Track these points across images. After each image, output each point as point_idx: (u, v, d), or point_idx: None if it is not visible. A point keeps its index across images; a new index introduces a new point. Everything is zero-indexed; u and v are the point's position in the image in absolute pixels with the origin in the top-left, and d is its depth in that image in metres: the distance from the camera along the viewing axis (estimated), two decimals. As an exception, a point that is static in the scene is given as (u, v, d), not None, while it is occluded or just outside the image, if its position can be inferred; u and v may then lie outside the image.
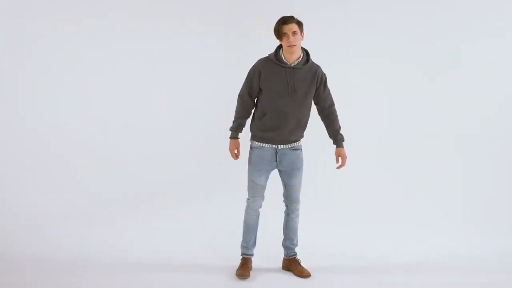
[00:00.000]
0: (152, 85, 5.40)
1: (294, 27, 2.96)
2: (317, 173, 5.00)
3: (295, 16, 3.08)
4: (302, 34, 3.05)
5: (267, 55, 3.13)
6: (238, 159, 3.17)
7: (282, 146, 3.10)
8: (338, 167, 3.13)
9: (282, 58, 3.04)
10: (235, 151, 3.16)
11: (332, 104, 3.21)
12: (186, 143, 4.94)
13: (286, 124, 3.04)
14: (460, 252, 3.71)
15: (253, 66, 3.15)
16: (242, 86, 3.22)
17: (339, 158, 3.15)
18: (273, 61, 3.06)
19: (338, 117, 3.26)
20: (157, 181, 5.02)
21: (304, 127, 3.14)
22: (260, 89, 3.15)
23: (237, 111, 3.23)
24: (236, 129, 3.20)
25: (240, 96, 3.23)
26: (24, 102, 4.67)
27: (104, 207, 4.57)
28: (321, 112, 3.23)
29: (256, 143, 3.14)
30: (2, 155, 4.56)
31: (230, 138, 3.21)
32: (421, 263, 3.53)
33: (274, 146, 3.10)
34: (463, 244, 3.85)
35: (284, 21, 2.97)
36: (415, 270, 3.45)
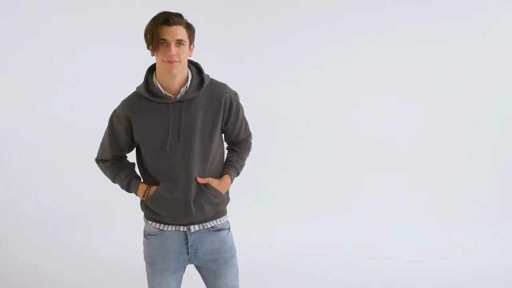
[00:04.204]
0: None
1: (181, 32, 1.91)
2: (316, 174, 4.99)
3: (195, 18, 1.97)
4: (192, 47, 2.02)
5: (135, 90, 2.09)
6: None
7: (196, 227, 2.01)
8: (201, 181, 2.01)
9: (159, 90, 1.95)
10: (144, 193, 2.03)
11: (248, 135, 2.24)
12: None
13: (188, 188, 1.97)
14: (459, 252, 3.70)
15: (114, 111, 2.12)
16: (100, 145, 2.18)
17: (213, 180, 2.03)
18: (146, 97, 1.97)
19: (249, 152, 2.22)
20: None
21: None
22: (134, 144, 2.09)
23: (111, 175, 2.15)
24: (128, 184, 2.09)
25: (98, 162, 2.20)
26: (24, 101, 4.67)
27: (103, 207, 4.55)
28: (230, 143, 2.25)
29: (152, 225, 2.10)
30: (2, 155, 4.55)
31: (132, 192, 2.10)
32: (420, 263, 3.51)
33: (182, 228, 2.02)
34: (463, 244, 3.84)
35: (166, 20, 1.88)
36: (415, 270, 3.43)
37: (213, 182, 2.02)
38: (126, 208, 4.55)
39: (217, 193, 2.02)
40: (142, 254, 3.40)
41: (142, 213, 4.22)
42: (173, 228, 2.04)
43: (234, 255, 2.14)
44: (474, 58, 4.77)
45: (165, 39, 1.88)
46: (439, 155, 4.88)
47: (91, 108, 5.01)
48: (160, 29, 1.87)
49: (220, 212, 2.12)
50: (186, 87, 1.96)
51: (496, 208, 4.46)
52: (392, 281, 3.31)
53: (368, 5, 5.07)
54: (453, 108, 4.87)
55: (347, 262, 3.61)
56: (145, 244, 2.16)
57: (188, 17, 5.40)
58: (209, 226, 2.05)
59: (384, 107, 5.00)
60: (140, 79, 5.18)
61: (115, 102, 5.17)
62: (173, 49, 1.87)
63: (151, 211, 2.08)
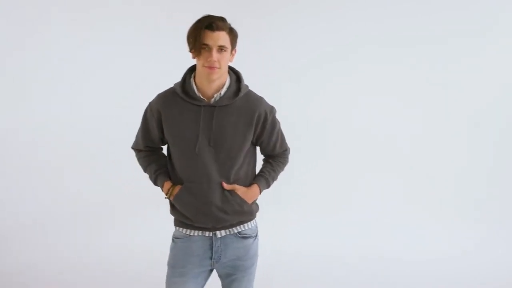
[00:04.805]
0: (151, 85, 5.38)
1: (224, 37, 1.92)
2: (316, 174, 5.00)
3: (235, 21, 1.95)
4: (234, 52, 2.03)
5: (172, 86, 2.05)
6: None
7: (222, 232, 1.98)
8: (226, 187, 1.98)
9: (193, 91, 1.93)
10: (168, 191, 2.02)
11: (285, 150, 2.25)
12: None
13: (209, 192, 1.94)
14: (459, 252, 3.69)
15: (148, 104, 2.09)
16: (136, 135, 2.18)
17: (240, 187, 2.00)
18: (180, 95, 1.96)
19: (285, 166, 2.24)
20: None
21: None
22: (165, 140, 2.06)
23: (142, 166, 2.18)
24: (156, 179, 2.10)
25: (134, 150, 2.22)
26: (24, 101, 4.67)
27: (103, 207, 4.55)
28: (266, 156, 2.25)
29: (180, 230, 2.04)
30: (2, 155, 4.55)
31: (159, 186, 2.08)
32: (420, 263, 3.51)
33: (208, 233, 1.99)
34: (463, 244, 3.83)
35: (210, 24, 1.89)
36: (415, 270, 3.43)
37: (240, 189, 2.00)
38: (126, 208, 4.56)
39: (241, 201, 1.99)
40: (142, 254, 3.40)
41: (142, 214, 4.21)
42: (200, 233, 2.00)
43: (254, 264, 2.08)
44: (474, 58, 4.76)
45: (207, 44, 1.86)
46: (439, 155, 4.88)
47: (91, 108, 5.01)
48: (203, 33, 1.86)
49: (247, 217, 2.07)
50: (221, 93, 1.94)
51: (496, 208, 4.46)
52: (392, 281, 3.31)
53: (368, 5, 5.07)
54: (453, 108, 4.87)
55: (347, 262, 3.60)
56: (171, 248, 2.07)
57: (188, 17, 5.41)
58: (236, 231, 2.02)
59: (384, 107, 5.00)
60: (140, 79, 5.18)
61: (115, 102, 5.17)
62: (215, 55, 1.86)
63: (179, 214, 2.03)
